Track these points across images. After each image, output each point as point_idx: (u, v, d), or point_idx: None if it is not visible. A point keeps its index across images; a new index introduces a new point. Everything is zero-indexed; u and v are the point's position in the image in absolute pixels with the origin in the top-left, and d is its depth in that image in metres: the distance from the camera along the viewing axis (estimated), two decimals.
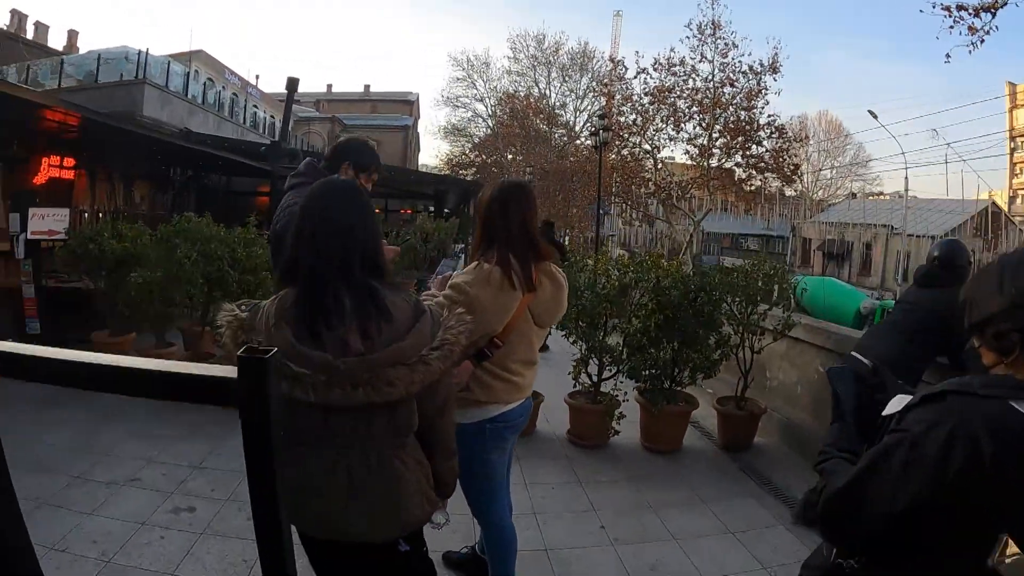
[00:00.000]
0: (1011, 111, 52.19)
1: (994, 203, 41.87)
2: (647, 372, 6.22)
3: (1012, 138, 52.62)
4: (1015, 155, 53.40)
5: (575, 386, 6.55)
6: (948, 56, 11.72)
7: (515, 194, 3.22)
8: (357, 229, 2.06)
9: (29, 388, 4.66)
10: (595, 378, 6.43)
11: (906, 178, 36.13)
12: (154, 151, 15.82)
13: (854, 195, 51.36)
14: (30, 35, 37.32)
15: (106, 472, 5.05)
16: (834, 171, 57.62)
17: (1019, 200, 52.92)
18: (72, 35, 41.70)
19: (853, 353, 5.18)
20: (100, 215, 15.06)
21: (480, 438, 3.15)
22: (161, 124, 18.74)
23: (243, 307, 2.09)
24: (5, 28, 35.49)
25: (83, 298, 8.58)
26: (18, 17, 38.27)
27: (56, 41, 39.44)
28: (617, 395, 6.29)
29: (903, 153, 45.96)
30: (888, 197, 47.15)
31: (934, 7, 11.39)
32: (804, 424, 6.59)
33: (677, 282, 6.14)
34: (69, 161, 14.43)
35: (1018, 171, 54.19)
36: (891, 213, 38.02)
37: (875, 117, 32.84)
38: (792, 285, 7.41)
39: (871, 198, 49.10)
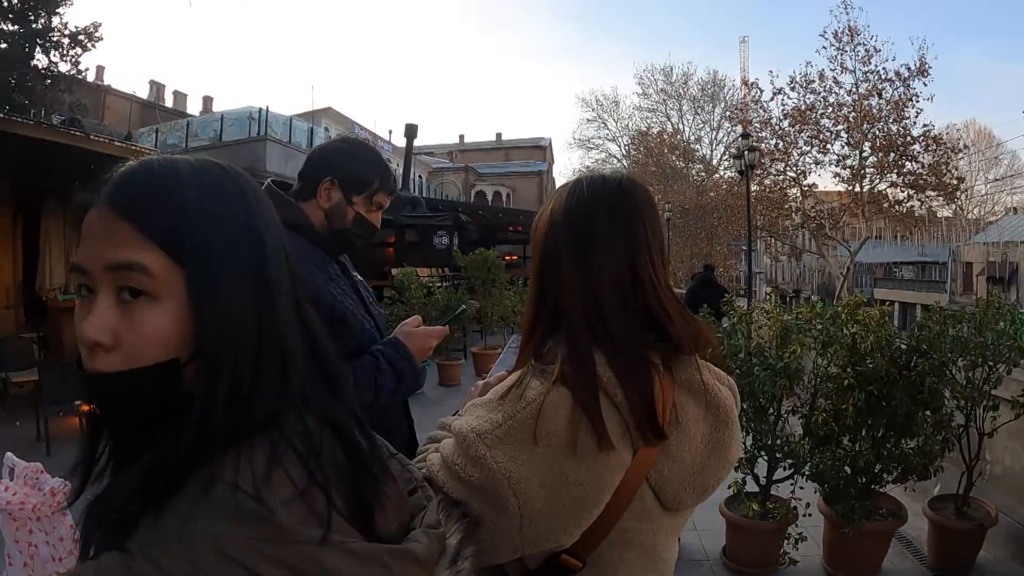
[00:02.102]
0: None
1: None
2: (839, 474, 4.48)
3: None
4: None
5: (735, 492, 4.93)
6: None
7: (612, 206, 1.46)
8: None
9: None
10: (763, 480, 4.78)
11: None
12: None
13: (1015, 210, 46.74)
14: (169, 103, 41.82)
15: None
16: (988, 185, 53.78)
17: None
18: (207, 100, 45.96)
19: None
20: None
21: None
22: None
23: None
24: (144, 98, 39.76)
25: None
26: (156, 87, 44.81)
27: (193, 107, 43.51)
28: (795, 504, 4.67)
29: None
30: None
31: None
32: None
33: (882, 342, 4.39)
34: None
35: None
36: None
37: None
38: None
39: None
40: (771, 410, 4.64)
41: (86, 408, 0.90)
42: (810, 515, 4.66)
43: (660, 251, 1.46)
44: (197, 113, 39.58)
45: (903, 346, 4.52)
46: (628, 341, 1.35)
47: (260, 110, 23.00)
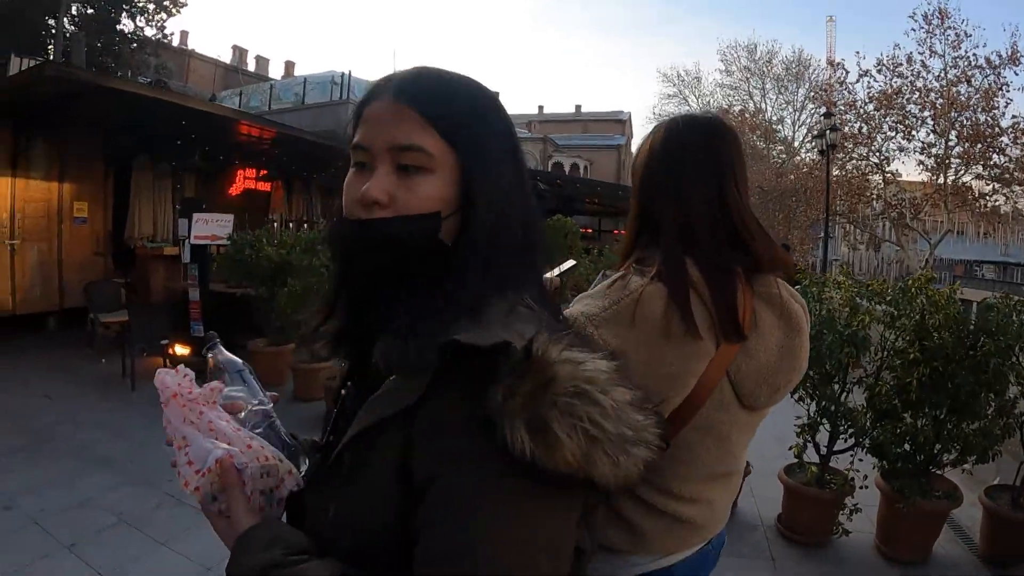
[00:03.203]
0: None
1: None
2: (898, 449, 4.44)
3: None
4: None
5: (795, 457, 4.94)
6: None
7: (705, 138, 1.67)
8: None
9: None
10: (824, 450, 4.75)
11: None
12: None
13: None
14: (251, 67, 41.90)
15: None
16: None
17: None
18: (289, 65, 46.23)
19: None
20: (290, 224, 16.48)
21: None
22: None
23: None
24: (228, 62, 40.10)
25: (246, 305, 8.61)
26: (239, 51, 44.43)
27: (275, 71, 43.77)
28: (852, 476, 4.66)
29: None
30: None
31: None
32: None
33: (950, 320, 4.31)
34: (264, 173, 16.53)
35: None
36: None
37: None
38: None
39: None
40: (837, 378, 4.59)
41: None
42: (866, 487, 4.63)
43: (744, 182, 1.68)
44: (279, 77, 39.84)
45: (971, 326, 4.40)
46: (715, 251, 1.58)
47: (343, 74, 23.42)
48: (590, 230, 21.61)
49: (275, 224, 15.10)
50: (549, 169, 51.36)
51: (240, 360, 1.19)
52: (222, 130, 12.89)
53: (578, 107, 68.96)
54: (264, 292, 8.13)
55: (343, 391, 1.17)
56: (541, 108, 69.30)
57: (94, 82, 9.42)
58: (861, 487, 4.63)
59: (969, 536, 4.96)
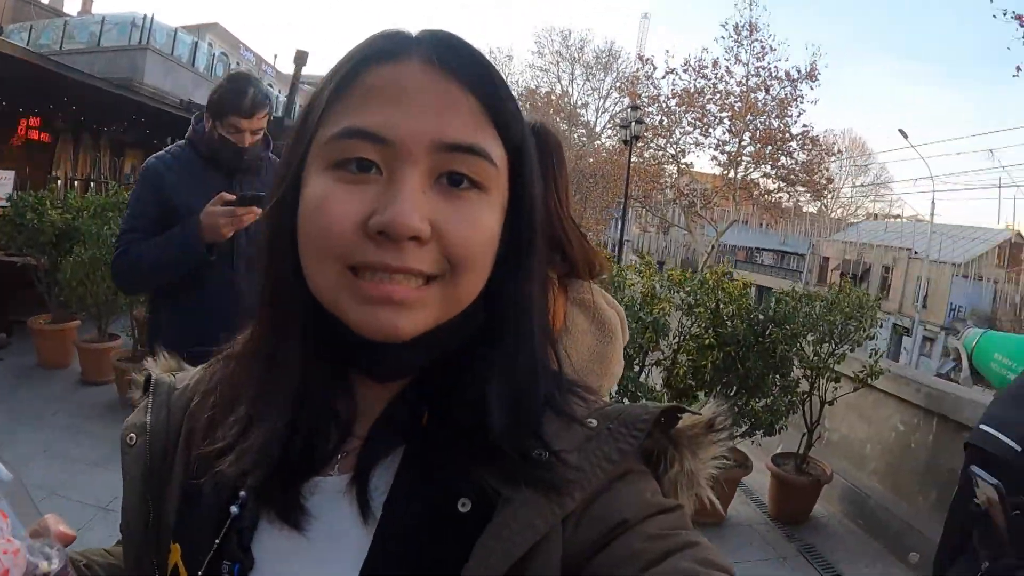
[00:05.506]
0: None
1: (1019, 234, 40.71)
2: None
3: None
4: None
5: None
6: (1019, 69, 10.80)
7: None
8: None
9: None
10: None
11: (932, 202, 34.84)
12: (149, 120, 15.24)
13: (875, 216, 49.94)
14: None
15: None
16: (854, 190, 56.74)
17: None
18: (87, 0, 41.96)
19: (986, 428, 3.82)
20: (75, 183, 14.59)
21: None
22: (162, 94, 17.96)
23: None
24: None
25: (30, 276, 7.43)
26: None
27: (72, 7, 40.08)
28: None
29: (931, 177, 44.27)
30: (905, 219, 46.12)
31: (1005, 13, 10.60)
32: (874, 493, 5.36)
33: (743, 311, 4.81)
34: (49, 124, 14.28)
35: None
36: (914, 236, 36.91)
37: (905, 137, 31.56)
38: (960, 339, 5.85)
39: (887, 219, 48.04)
40: (636, 361, 4.93)
41: None
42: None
43: (565, 188, 1.75)
44: (75, 13, 36.77)
45: (760, 316, 4.92)
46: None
47: (144, 16, 20.97)
48: None
49: (59, 183, 13.92)
50: None
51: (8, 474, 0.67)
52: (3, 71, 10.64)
53: None
54: (47, 262, 7.09)
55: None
56: None
57: None
58: None
59: (759, 498, 5.53)
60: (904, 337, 27.36)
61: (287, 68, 34.76)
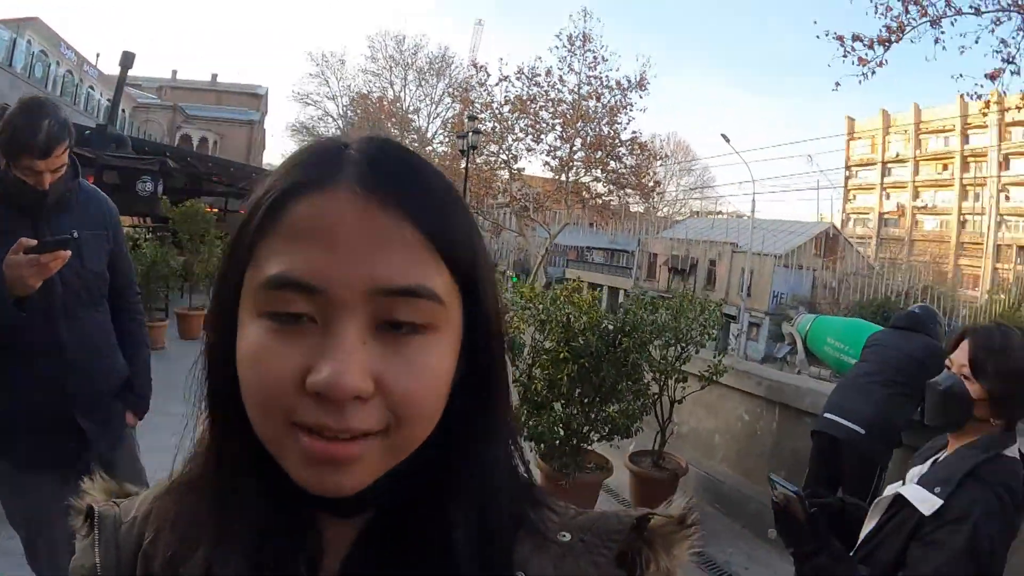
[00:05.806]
0: (848, 143, 62.39)
1: (834, 226, 44.02)
2: (555, 436, 5.06)
3: (847, 167, 62.73)
4: (849, 183, 63.95)
5: None
6: (838, 84, 11.94)
7: None
8: None
9: None
10: None
11: (753, 200, 37.09)
12: None
13: (697, 214, 52.33)
14: None
15: None
16: (679, 189, 59.51)
17: (851, 223, 62.23)
18: None
19: (832, 417, 4.20)
20: None
21: None
22: None
23: None
24: None
25: None
26: None
27: None
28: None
29: (753, 181, 47.12)
30: (727, 216, 48.55)
31: (827, 34, 11.47)
32: (727, 479, 5.79)
33: (594, 324, 5.02)
34: None
35: (851, 197, 64.34)
36: (738, 232, 38.96)
37: (727, 140, 33.39)
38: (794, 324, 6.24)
39: (711, 216, 50.50)
40: None
41: None
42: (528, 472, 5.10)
43: None
44: None
45: (611, 327, 5.13)
46: None
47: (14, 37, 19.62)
48: (216, 209, 20.01)
49: None
50: (176, 141, 48.78)
51: None
52: None
53: (214, 76, 64.27)
54: None
55: None
56: (175, 73, 63.62)
57: None
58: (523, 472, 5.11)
59: (622, 496, 5.80)
60: (732, 324, 28.74)
61: (110, 69, 32.77)
